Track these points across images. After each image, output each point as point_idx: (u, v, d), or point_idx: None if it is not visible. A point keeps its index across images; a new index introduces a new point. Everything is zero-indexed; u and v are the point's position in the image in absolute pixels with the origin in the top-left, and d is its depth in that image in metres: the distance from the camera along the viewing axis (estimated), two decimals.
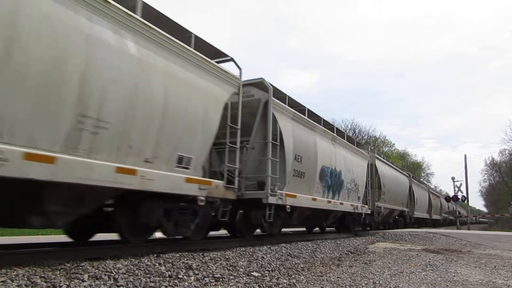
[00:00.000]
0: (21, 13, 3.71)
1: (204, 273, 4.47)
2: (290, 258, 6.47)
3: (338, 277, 5.03)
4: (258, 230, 8.88)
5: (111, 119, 4.60)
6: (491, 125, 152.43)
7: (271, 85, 8.46)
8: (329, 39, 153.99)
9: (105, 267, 4.05)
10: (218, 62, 7.06)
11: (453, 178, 35.84)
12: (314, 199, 9.99)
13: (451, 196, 35.13)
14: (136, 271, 4.09)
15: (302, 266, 5.90)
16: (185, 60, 5.89)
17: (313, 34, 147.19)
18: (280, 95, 9.23)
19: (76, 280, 3.49)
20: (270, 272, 5.08)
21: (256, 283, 4.31)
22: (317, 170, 10.18)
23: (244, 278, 4.53)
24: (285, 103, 9.29)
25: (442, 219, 37.86)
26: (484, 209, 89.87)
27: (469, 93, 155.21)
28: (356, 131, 51.41)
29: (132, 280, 3.76)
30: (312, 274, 5.23)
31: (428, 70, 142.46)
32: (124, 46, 4.86)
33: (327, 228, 14.23)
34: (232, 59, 7.38)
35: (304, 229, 14.03)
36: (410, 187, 22.86)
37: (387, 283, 4.80)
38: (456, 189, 34.80)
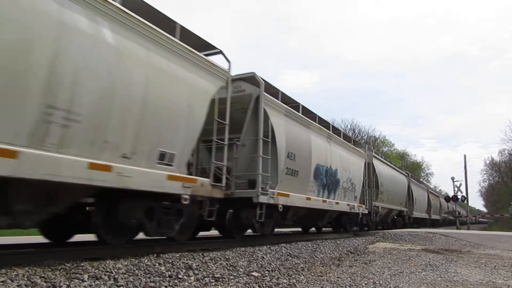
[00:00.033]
0: None
1: (204, 273, 4.45)
2: (290, 258, 6.43)
3: (338, 277, 5.00)
4: (249, 231, 8.57)
5: (84, 111, 4.29)
6: (491, 125, 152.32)
7: (262, 79, 8.15)
8: (329, 39, 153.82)
9: (105, 267, 4.04)
10: (206, 55, 6.75)
11: (452, 178, 35.74)
12: (309, 199, 9.67)
13: (450, 196, 35.05)
14: (136, 271, 4.07)
15: (302, 266, 5.86)
16: (169, 51, 5.57)
17: (313, 34, 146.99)
18: (273, 91, 8.92)
19: (76, 280, 3.49)
20: (270, 272, 5.06)
21: (256, 283, 4.30)
22: (311, 168, 9.86)
23: (244, 278, 4.51)
24: (278, 99, 8.97)
25: (442, 219, 37.62)
26: (484, 209, 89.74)
27: (469, 93, 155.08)
28: (356, 131, 51.44)
29: (132, 280, 3.75)
30: (312, 274, 5.20)
31: (428, 70, 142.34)
32: (99, 34, 4.55)
33: (323, 229, 13.93)
34: (221, 52, 7.06)
35: (299, 229, 13.73)
36: (409, 186, 22.57)
37: (387, 283, 4.77)
38: (456, 189, 34.70)
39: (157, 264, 4.48)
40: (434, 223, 32.67)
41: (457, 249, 9.93)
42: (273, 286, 4.29)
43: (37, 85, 3.83)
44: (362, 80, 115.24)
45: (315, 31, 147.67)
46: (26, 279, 3.31)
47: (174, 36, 5.86)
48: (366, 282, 4.80)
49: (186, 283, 3.97)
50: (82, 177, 4.21)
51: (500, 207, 52.49)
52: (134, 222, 5.19)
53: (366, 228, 15.86)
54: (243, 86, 8.30)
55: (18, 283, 3.18)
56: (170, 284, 3.86)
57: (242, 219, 7.68)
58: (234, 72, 7.57)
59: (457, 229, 28.46)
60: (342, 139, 12.71)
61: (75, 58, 4.20)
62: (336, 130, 12.62)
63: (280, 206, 8.26)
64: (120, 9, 4.87)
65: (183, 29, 6.19)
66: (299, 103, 10.10)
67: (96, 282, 3.52)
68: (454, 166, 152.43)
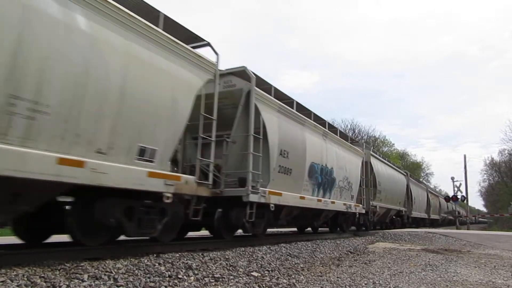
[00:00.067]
0: None
1: (204, 273, 4.45)
2: (289, 258, 6.42)
3: (338, 277, 5.00)
4: (240, 231, 8.26)
5: (53, 103, 3.98)
6: (491, 125, 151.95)
7: (254, 74, 7.84)
8: (329, 39, 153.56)
9: (104, 267, 4.03)
10: (194, 48, 6.45)
11: (452, 178, 35.60)
12: (303, 198, 9.36)
13: (450, 196, 34.86)
14: (136, 271, 4.06)
15: (302, 266, 5.85)
16: (150, 41, 5.26)
17: (313, 34, 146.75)
18: (265, 86, 8.61)
19: (76, 280, 3.48)
20: (270, 272, 5.05)
21: (256, 283, 4.29)
22: (305, 166, 9.55)
23: (244, 278, 4.50)
24: (271, 95, 8.66)
25: (441, 219, 37.35)
26: (484, 209, 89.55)
27: (469, 93, 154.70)
28: (356, 131, 51.39)
29: (132, 280, 3.74)
30: (312, 274, 5.20)
31: (428, 70, 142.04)
32: (72, 21, 4.24)
33: (320, 229, 13.62)
34: (208, 44, 6.75)
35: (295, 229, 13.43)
36: (408, 186, 22.26)
37: (387, 283, 4.76)
38: (456, 189, 34.58)
39: (157, 264, 4.47)
40: (433, 223, 32.40)
41: (457, 249, 9.85)
42: (273, 286, 4.27)
43: None
44: (362, 80, 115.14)
45: (315, 31, 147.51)
46: (26, 279, 3.31)
47: (157, 26, 5.56)
48: (366, 282, 4.78)
49: (186, 283, 3.96)
50: (50, 173, 3.91)
51: (500, 207, 52.27)
52: (112, 222, 4.89)
53: (363, 228, 15.55)
54: (233, 80, 7.99)
55: (18, 283, 3.17)
56: (170, 284, 3.85)
57: (232, 219, 7.37)
58: None
59: (457, 229, 28.28)
60: (338, 137, 12.39)
61: (42, 46, 3.90)
62: (332, 128, 12.29)
63: (272, 205, 7.95)
64: None
65: (167, 19, 5.88)
66: (293, 100, 9.79)
67: (96, 282, 3.51)
68: (454, 166, 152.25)
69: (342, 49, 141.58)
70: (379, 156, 18.29)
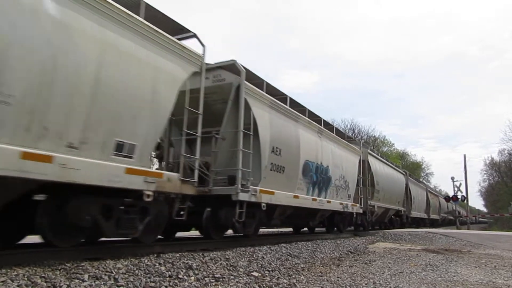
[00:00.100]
0: None
1: (204, 273, 4.44)
2: (290, 258, 6.41)
3: (338, 277, 4.99)
4: (230, 231, 7.95)
5: (16, 92, 3.66)
6: (491, 125, 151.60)
7: (244, 68, 7.52)
8: (329, 39, 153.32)
9: (105, 267, 4.03)
10: (180, 39, 6.14)
11: (452, 178, 35.44)
12: (296, 197, 9.04)
13: (450, 196, 34.63)
14: (136, 271, 4.05)
15: (302, 266, 5.85)
16: (129, 29, 4.94)
17: (313, 34, 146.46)
18: (256, 81, 8.29)
19: (76, 280, 3.47)
20: (270, 272, 5.05)
21: (256, 283, 4.28)
22: (299, 164, 9.23)
23: (244, 278, 4.50)
24: (263, 90, 8.34)
25: (441, 219, 37.05)
26: (484, 209, 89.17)
27: (469, 93, 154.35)
28: (356, 131, 51.25)
29: (132, 280, 3.73)
30: (312, 274, 5.20)
31: (428, 70, 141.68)
32: (37, 5, 3.92)
33: (316, 229, 13.30)
34: (195, 35, 6.44)
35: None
36: (407, 185, 21.94)
37: (387, 283, 4.75)
38: (456, 189, 34.40)
39: (157, 264, 4.46)
40: (433, 223, 32.08)
41: (457, 249, 9.79)
42: (273, 286, 4.27)
43: None
44: (362, 80, 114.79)
45: (315, 31, 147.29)
46: (26, 279, 3.30)
47: (138, 15, 5.25)
48: (366, 282, 4.77)
49: (186, 283, 3.96)
50: (12, 169, 3.59)
51: (500, 207, 52.03)
52: (86, 222, 4.57)
53: (361, 228, 15.22)
54: (223, 75, 7.68)
55: (18, 283, 3.16)
56: (170, 284, 3.85)
57: (221, 219, 7.05)
58: None
59: (457, 229, 28.02)
60: (334, 135, 12.07)
61: (4, 29, 3.59)
62: (328, 125, 11.96)
63: (263, 204, 7.63)
64: None
65: (149, 7, 5.57)
66: (286, 95, 9.47)
67: (96, 282, 3.50)
68: (454, 166, 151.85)
69: (342, 49, 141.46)
70: (377, 154, 17.95)
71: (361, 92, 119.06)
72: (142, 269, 4.16)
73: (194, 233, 9.03)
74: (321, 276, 5.01)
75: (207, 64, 7.44)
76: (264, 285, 4.24)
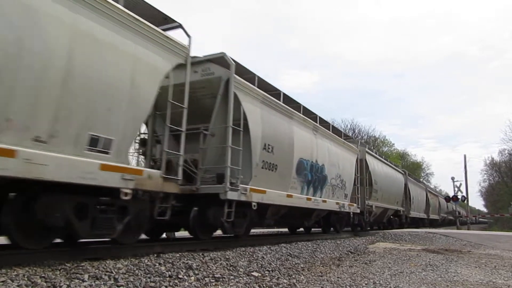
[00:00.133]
0: None
1: (204, 273, 4.43)
2: (290, 258, 6.40)
3: (338, 277, 4.99)
4: (219, 232, 7.63)
5: None
6: (491, 125, 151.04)
7: (233, 60, 7.20)
8: (329, 39, 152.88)
9: (105, 267, 4.03)
10: (165, 30, 5.84)
11: (452, 178, 35.26)
12: (290, 196, 8.72)
13: (450, 196, 34.38)
14: (136, 271, 4.05)
15: (302, 266, 5.85)
16: (105, 15, 4.63)
17: (313, 34, 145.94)
18: (248, 76, 7.96)
19: (76, 280, 3.47)
20: (270, 272, 5.05)
21: (256, 283, 4.28)
22: (293, 162, 8.91)
23: (244, 278, 4.50)
24: (254, 85, 8.02)
25: (441, 219, 36.74)
26: (484, 209, 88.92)
27: (469, 93, 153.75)
28: (356, 131, 51.04)
29: (132, 280, 3.73)
30: (312, 274, 5.20)
31: (428, 70, 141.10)
32: None
33: (313, 229, 12.97)
34: (180, 26, 6.12)
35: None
36: (406, 185, 21.62)
37: (387, 283, 4.75)
38: (456, 189, 34.20)
39: (157, 264, 4.46)
40: (432, 223, 31.76)
41: (457, 249, 9.73)
42: (273, 286, 4.26)
43: None
44: (362, 80, 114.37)
45: (315, 31, 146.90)
46: (26, 279, 3.30)
47: (117, 2, 4.94)
48: (366, 282, 4.77)
49: (186, 283, 3.96)
50: None
51: (500, 207, 51.77)
52: (58, 221, 4.25)
53: (359, 229, 14.89)
54: (212, 68, 7.35)
55: (18, 283, 3.16)
56: (171, 284, 3.84)
57: (209, 218, 6.72)
58: None
59: (457, 229, 27.75)
60: (330, 132, 11.75)
61: None
62: (324, 123, 11.62)
63: (254, 203, 7.31)
64: None
65: None
66: (280, 91, 9.14)
67: (96, 282, 3.49)
68: (454, 166, 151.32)
69: (342, 49, 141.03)
70: (376, 153, 17.62)
71: (361, 92, 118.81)
72: (142, 269, 4.16)
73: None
74: (321, 276, 5.01)
75: (195, 57, 7.15)
76: (264, 285, 4.24)
